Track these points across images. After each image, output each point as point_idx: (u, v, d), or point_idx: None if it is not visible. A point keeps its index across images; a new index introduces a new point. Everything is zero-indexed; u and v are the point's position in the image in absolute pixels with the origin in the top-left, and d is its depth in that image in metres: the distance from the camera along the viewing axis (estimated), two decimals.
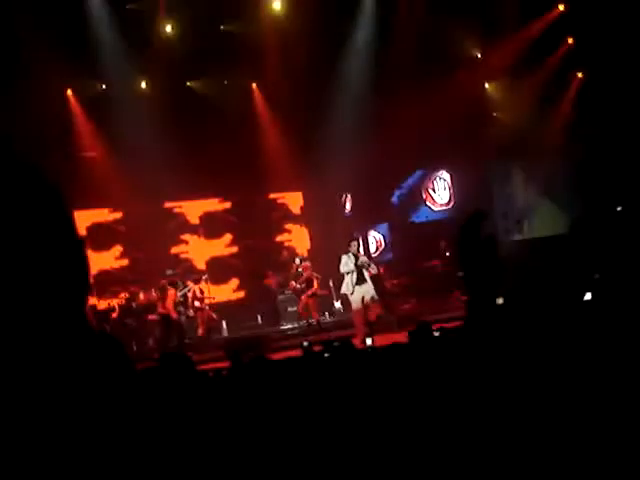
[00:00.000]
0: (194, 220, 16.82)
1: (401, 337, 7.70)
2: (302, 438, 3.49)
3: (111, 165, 14.67)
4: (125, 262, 16.05)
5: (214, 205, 16.97)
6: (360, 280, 11.73)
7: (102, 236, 15.76)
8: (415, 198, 17.34)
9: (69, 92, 14.70)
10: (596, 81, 15.20)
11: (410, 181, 17.36)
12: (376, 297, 11.82)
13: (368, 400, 3.75)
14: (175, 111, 14.63)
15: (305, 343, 6.72)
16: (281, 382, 4.05)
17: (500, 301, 5.34)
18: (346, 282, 11.81)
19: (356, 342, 10.18)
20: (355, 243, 12.01)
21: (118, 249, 16.12)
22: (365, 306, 11.72)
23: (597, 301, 4.85)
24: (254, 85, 15.98)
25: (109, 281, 15.42)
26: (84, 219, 15.32)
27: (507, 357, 3.91)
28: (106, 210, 16.04)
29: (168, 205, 16.60)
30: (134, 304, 14.72)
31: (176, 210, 16.75)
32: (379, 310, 11.84)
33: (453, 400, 3.59)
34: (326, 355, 4.77)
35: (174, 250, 16.48)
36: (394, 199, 17.42)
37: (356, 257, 11.80)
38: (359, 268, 11.69)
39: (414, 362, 4.06)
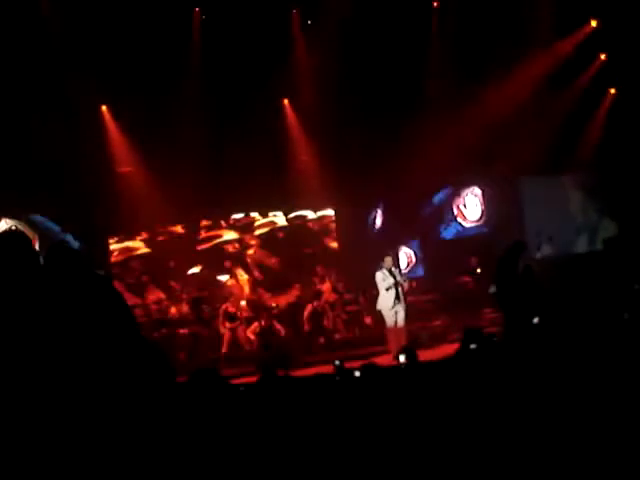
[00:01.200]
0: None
1: (434, 354, 7.70)
2: (331, 454, 3.49)
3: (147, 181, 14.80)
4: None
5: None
6: (397, 298, 11.75)
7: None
8: (446, 214, 17.26)
9: (104, 108, 14.85)
10: (629, 98, 15.09)
11: (441, 197, 17.30)
12: (404, 322, 11.86)
13: (396, 419, 3.75)
14: (209, 129, 14.79)
15: (337, 362, 6.73)
16: (311, 400, 4.05)
17: (536, 320, 5.33)
18: (384, 297, 11.81)
19: (389, 358, 10.24)
20: (389, 259, 12.04)
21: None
22: (396, 328, 11.76)
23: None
24: (286, 101, 16.03)
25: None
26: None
27: (543, 373, 3.89)
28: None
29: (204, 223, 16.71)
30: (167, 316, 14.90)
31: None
32: (406, 336, 11.85)
33: (490, 417, 3.58)
34: (357, 374, 4.76)
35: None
36: (425, 215, 17.35)
37: (392, 273, 11.81)
38: (397, 285, 11.72)
39: (449, 380, 4.05)
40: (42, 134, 13.08)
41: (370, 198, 16.52)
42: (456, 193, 17.21)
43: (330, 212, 17.38)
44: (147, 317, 14.96)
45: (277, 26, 14.87)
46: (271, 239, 16.90)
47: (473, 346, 4.78)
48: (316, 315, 14.58)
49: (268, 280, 16.58)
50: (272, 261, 16.74)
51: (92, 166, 14.17)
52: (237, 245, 16.86)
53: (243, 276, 16.51)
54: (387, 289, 11.73)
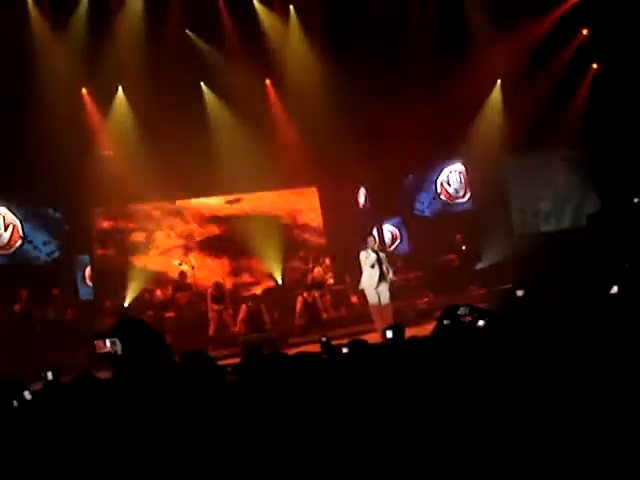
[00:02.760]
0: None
1: (419, 331, 7.70)
2: (319, 432, 3.49)
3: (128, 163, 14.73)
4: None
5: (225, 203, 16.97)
6: (381, 277, 11.77)
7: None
8: (430, 191, 17.27)
9: (84, 91, 14.75)
10: (611, 72, 15.09)
11: (425, 174, 17.30)
12: (389, 301, 11.88)
13: (384, 395, 3.76)
14: (189, 109, 14.76)
15: (323, 339, 6.71)
16: (299, 377, 4.05)
17: (520, 293, 5.33)
18: (369, 276, 11.82)
19: (376, 336, 10.26)
20: (371, 239, 12.03)
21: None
22: (380, 307, 11.79)
23: (626, 291, 4.81)
24: (268, 81, 15.95)
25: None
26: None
27: (527, 347, 3.90)
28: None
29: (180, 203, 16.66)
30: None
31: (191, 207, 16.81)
32: (391, 314, 11.87)
33: (473, 393, 3.59)
34: (345, 350, 4.76)
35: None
36: (410, 193, 17.36)
37: (377, 252, 11.83)
38: (380, 263, 11.73)
39: (435, 355, 4.06)
40: (24, 118, 13.01)
41: (353, 176, 16.46)
42: (440, 170, 17.21)
43: (313, 190, 17.34)
44: (133, 300, 14.93)
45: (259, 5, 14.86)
46: (255, 219, 16.82)
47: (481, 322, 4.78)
48: (308, 307, 14.50)
49: (253, 261, 16.55)
50: (257, 242, 16.66)
51: (75, 149, 14.06)
52: (222, 226, 16.80)
53: (226, 257, 16.47)
54: (372, 266, 11.73)
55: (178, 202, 16.64)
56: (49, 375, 6.04)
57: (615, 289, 5.18)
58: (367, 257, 11.79)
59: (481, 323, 4.70)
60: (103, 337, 4.02)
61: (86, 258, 15.59)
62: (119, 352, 3.89)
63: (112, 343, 3.90)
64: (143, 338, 3.90)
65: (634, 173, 14.80)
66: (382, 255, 11.96)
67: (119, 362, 3.90)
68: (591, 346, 3.79)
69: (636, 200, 14.81)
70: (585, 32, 15.68)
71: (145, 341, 3.89)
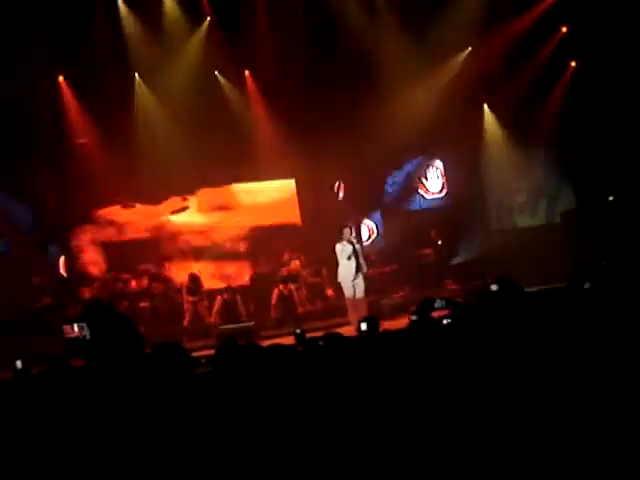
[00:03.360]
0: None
1: (394, 325, 7.72)
2: (292, 424, 3.49)
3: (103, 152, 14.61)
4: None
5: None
6: (358, 269, 11.77)
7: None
8: (408, 186, 17.31)
9: (60, 78, 14.60)
10: (589, 70, 15.18)
11: (403, 169, 17.32)
12: (364, 294, 11.88)
13: (356, 386, 3.76)
14: (167, 100, 14.71)
15: (298, 330, 6.70)
16: (274, 368, 4.04)
17: (495, 288, 5.35)
18: (345, 268, 11.80)
19: (351, 329, 10.28)
20: (347, 230, 12.00)
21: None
22: (356, 300, 11.79)
23: (602, 287, 4.85)
24: (247, 72, 15.88)
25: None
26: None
27: (501, 339, 3.92)
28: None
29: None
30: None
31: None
32: (366, 307, 11.87)
33: (446, 385, 3.60)
34: (321, 343, 4.75)
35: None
36: (387, 187, 17.37)
37: (352, 244, 11.81)
38: (357, 255, 11.73)
39: (411, 348, 4.06)
40: None
41: (332, 170, 16.44)
42: (418, 165, 17.25)
43: (291, 182, 17.27)
44: (107, 290, 14.83)
45: None
46: (232, 211, 16.73)
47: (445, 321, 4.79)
48: (283, 299, 14.46)
49: (230, 253, 16.47)
50: (234, 234, 16.59)
51: (49, 137, 13.93)
52: (199, 218, 16.69)
53: (204, 249, 16.37)
54: (348, 258, 11.71)
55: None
56: (18, 364, 5.96)
57: (588, 285, 5.21)
58: (343, 249, 11.77)
59: (445, 322, 4.71)
60: (71, 322, 3.98)
61: (62, 247, 15.43)
62: (87, 337, 3.86)
63: (80, 328, 3.87)
64: (112, 322, 3.87)
65: (609, 171, 14.93)
66: (358, 247, 11.95)
67: (88, 347, 3.86)
68: (563, 340, 3.81)
69: (610, 198, 14.96)
70: (564, 29, 15.75)
71: (114, 325, 3.86)
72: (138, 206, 15.99)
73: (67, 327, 3.90)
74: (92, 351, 3.87)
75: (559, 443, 3.16)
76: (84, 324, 3.89)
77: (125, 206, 15.91)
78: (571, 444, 3.15)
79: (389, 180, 17.40)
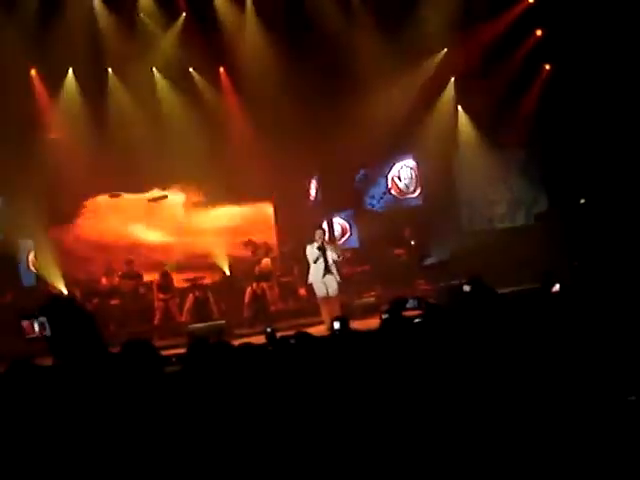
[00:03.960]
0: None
1: (366, 324, 7.72)
2: (261, 423, 3.46)
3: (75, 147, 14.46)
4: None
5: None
6: (326, 271, 11.80)
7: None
8: (381, 186, 17.33)
9: (33, 72, 14.43)
10: (563, 73, 15.29)
11: (377, 168, 17.34)
12: (336, 292, 11.92)
13: (326, 386, 3.74)
14: (140, 96, 14.63)
15: (268, 329, 6.66)
16: (244, 367, 4.02)
17: (467, 288, 5.35)
18: (314, 270, 11.87)
19: (323, 328, 10.28)
20: (320, 232, 12.05)
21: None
22: (329, 298, 11.82)
23: (572, 289, 4.88)
24: (222, 69, 15.80)
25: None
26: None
27: (472, 340, 3.92)
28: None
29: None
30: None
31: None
32: (338, 306, 11.90)
33: (420, 385, 3.59)
34: (292, 342, 4.72)
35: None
36: (360, 186, 17.38)
37: (322, 247, 11.84)
38: (325, 256, 11.76)
39: (382, 347, 4.05)
40: None
41: (305, 168, 16.41)
42: (391, 165, 17.28)
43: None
44: (77, 287, 14.69)
45: None
46: (204, 205, 16.61)
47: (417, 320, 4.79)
48: (256, 298, 14.39)
49: (200, 250, 16.38)
50: (205, 229, 16.47)
51: (21, 130, 13.78)
52: (171, 211, 16.55)
53: (175, 245, 16.26)
54: (315, 261, 11.81)
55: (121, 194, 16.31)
56: None
57: (557, 287, 5.24)
58: (311, 252, 11.84)
59: (416, 321, 4.71)
60: (30, 317, 3.89)
61: (29, 243, 15.26)
62: (48, 334, 3.78)
63: (40, 325, 3.78)
64: (72, 318, 3.79)
65: (581, 174, 15.04)
66: (329, 248, 11.97)
67: (51, 344, 3.79)
68: (533, 341, 3.82)
69: (582, 201, 15.08)
70: (539, 33, 15.85)
71: (74, 321, 3.78)
72: (110, 201, 15.89)
73: (26, 324, 3.82)
74: (55, 349, 3.78)
75: (530, 440, 3.17)
76: (44, 319, 3.80)
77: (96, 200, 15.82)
78: (541, 441, 3.16)
79: (362, 179, 17.40)
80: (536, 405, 3.32)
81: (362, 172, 17.34)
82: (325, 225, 15.49)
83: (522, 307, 4.55)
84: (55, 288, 14.47)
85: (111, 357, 4.04)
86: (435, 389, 3.51)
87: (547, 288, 5.15)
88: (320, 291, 11.90)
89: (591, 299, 4.53)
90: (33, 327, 3.82)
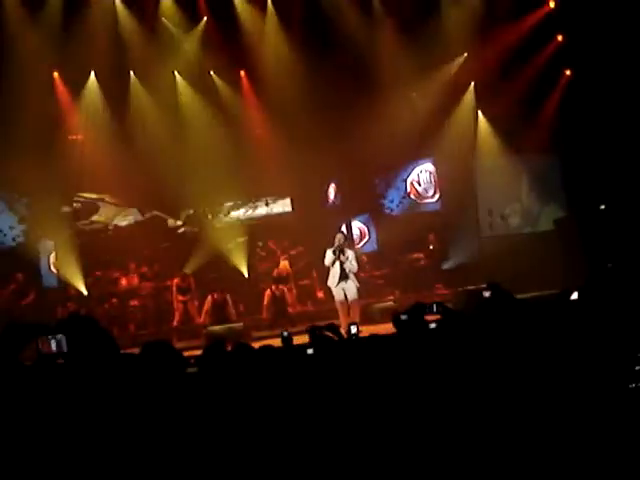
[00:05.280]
0: None
1: (383, 329, 7.72)
2: (279, 426, 3.48)
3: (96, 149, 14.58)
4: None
5: None
6: (342, 276, 11.79)
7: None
8: (400, 190, 17.31)
9: (56, 75, 14.56)
10: (584, 79, 15.23)
11: (396, 172, 17.32)
12: (357, 297, 11.90)
13: (344, 390, 3.76)
14: (159, 99, 14.73)
15: (285, 333, 6.65)
16: (262, 370, 4.04)
17: (487, 294, 5.35)
18: (331, 274, 11.89)
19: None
20: (340, 236, 12.04)
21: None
22: (348, 303, 11.82)
23: (595, 295, 4.86)
24: (242, 73, 15.86)
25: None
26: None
27: (492, 347, 3.92)
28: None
29: None
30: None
31: None
32: (358, 311, 11.90)
33: (437, 391, 3.60)
34: (310, 351, 4.72)
35: None
36: (380, 190, 17.38)
37: (341, 251, 11.82)
38: (341, 262, 11.76)
39: (398, 352, 4.06)
40: None
41: (325, 171, 16.45)
42: (411, 169, 17.27)
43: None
44: (96, 288, 14.80)
45: None
46: (222, 207, 16.69)
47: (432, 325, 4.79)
48: (275, 300, 14.42)
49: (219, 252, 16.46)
50: (223, 232, 16.54)
51: (43, 132, 13.90)
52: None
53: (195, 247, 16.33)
54: (332, 264, 11.81)
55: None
56: None
57: (575, 295, 5.22)
58: (327, 257, 11.86)
59: (432, 326, 4.71)
60: (47, 334, 3.90)
61: (51, 244, 15.39)
62: (64, 350, 3.81)
63: (57, 344, 3.79)
64: (91, 337, 3.82)
65: (602, 180, 14.97)
66: (348, 253, 11.96)
67: (65, 361, 3.82)
68: (553, 348, 3.82)
69: (602, 207, 15.00)
70: (560, 38, 15.80)
71: (92, 340, 3.81)
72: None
73: (42, 341, 3.80)
74: (71, 366, 3.82)
75: (544, 446, 3.17)
76: (61, 337, 3.82)
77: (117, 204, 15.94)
78: (556, 447, 3.16)
79: (382, 184, 17.41)
80: (551, 411, 3.32)
81: (380, 179, 17.35)
82: (344, 229, 15.51)
83: (541, 314, 4.54)
84: (75, 289, 14.60)
85: (131, 358, 4.07)
86: (451, 394, 3.52)
87: (565, 296, 5.14)
88: (338, 295, 11.90)
89: (611, 306, 4.52)
90: (50, 344, 3.81)
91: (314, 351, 4.41)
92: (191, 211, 16.58)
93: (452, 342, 4.21)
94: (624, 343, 3.60)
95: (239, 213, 16.81)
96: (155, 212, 16.31)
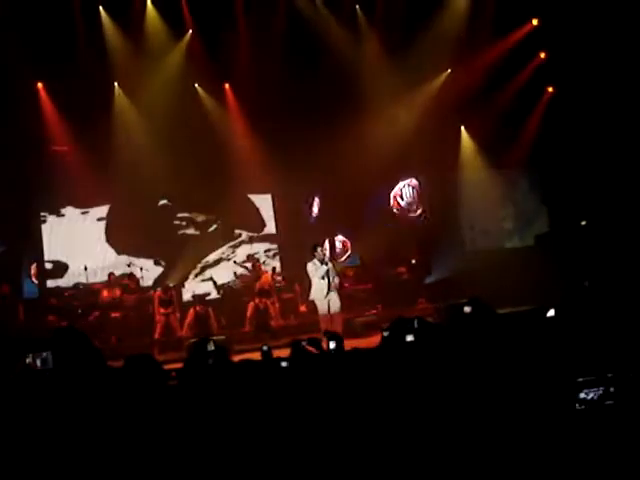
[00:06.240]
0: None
1: (365, 343, 7.74)
2: (255, 438, 3.50)
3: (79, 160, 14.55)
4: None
5: None
6: (330, 288, 11.78)
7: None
8: (383, 204, 17.37)
9: (40, 85, 14.54)
10: (566, 96, 15.38)
11: (380, 187, 17.37)
12: (339, 310, 11.89)
13: (322, 403, 3.78)
14: (146, 111, 14.73)
15: (265, 347, 6.63)
16: (241, 383, 4.06)
17: (467, 309, 5.39)
18: (319, 287, 11.81)
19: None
20: (320, 249, 12.01)
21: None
22: (331, 315, 11.79)
23: (573, 311, 4.92)
24: (227, 85, 15.91)
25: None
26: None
27: (469, 362, 3.96)
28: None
29: None
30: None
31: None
32: (341, 323, 11.89)
33: (412, 405, 3.62)
34: (284, 364, 4.72)
35: None
36: (364, 204, 17.42)
37: (326, 264, 11.82)
38: (329, 273, 11.75)
39: (379, 366, 4.08)
40: None
41: (309, 185, 16.50)
42: (394, 184, 17.34)
43: (268, 197, 17.31)
44: (78, 299, 14.76)
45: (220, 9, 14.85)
46: (207, 224, 16.71)
47: (410, 338, 4.82)
48: (259, 313, 14.40)
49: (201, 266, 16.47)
50: (207, 246, 16.55)
51: (26, 143, 13.87)
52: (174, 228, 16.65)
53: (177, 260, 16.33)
54: (322, 277, 11.75)
55: None
56: None
57: (552, 312, 5.27)
58: (317, 269, 11.78)
59: (409, 338, 4.73)
60: (34, 351, 3.88)
61: (32, 255, 15.31)
62: (50, 367, 3.81)
63: (43, 362, 3.78)
64: (79, 352, 3.81)
65: (583, 197, 15.11)
66: (330, 265, 11.98)
67: (51, 378, 3.82)
68: (530, 363, 3.86)
69: (583, 223, 15.13)
70: (543, 55, 15.96)
71: (79, 355, 3.80)
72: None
73: (30, 358, 3.78)
74: (57, 382, 3.82)
75: (524, 453, 3.21)
76: (47, 354, 3.81)
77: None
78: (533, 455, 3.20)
79: (366, 198, 17.45)
80: (527, 423, 3.36)
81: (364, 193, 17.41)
82: (327, 243, 15.53)
83: (517, 329, 4.59)
84: (56, 300, 14.55)
85: (114, 371, 4.08)
86: (430, 408, 3.55)
87: (541, 313, 5.19)
88: (322, 308, 11.85)
89: (587, 323, 4.57)
90: (35, 363, 3.79)
91: (288, 364, 4.44)
92: None
93: (431, 355, 4.24)
94: (591, 364, 3.65)
95: (220, 226, 16.83)
96: None
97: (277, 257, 17.06)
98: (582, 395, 3.41)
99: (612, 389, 3.44)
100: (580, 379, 3.43)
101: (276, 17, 15.24)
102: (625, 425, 3.39)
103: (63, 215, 15.89)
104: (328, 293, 11.79)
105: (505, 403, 3.50)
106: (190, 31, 15.10)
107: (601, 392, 3.42)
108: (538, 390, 3.54)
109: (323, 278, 11.77)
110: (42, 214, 15.64)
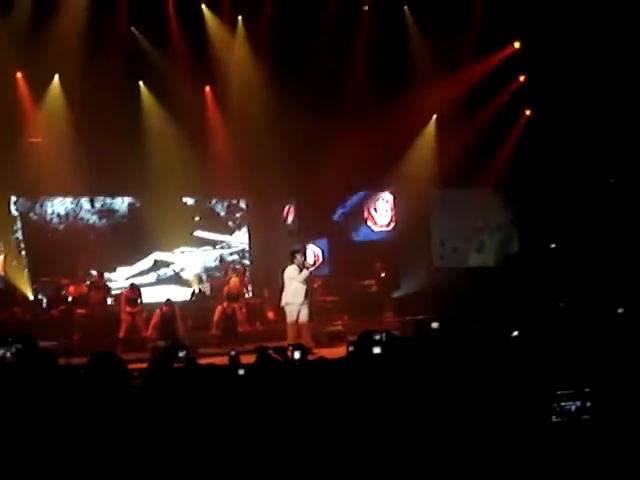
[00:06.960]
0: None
1: (331, 353, 7.76)
2: (217, 443, 3.49)
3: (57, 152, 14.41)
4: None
5: None
6: (305, 295, 11.76)
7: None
8: (357, 217, 17.44)
9: (19, 75, 14.41)
10: (543, 119, 15.56)
11: (354, 199, 17.45)
12: (307, 319, 11.86)
13: (286, 411, 3.79)
14: (126, 109, 14.66)
15: (232, 352, 6.63)
16: (206, 387, 4.05)
17: (435, 325, 5.43)
18: (298, 292, 11.72)
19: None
20: (299, 255, 12.00)
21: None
22: (298, 325, 11.76)
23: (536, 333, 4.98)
24: (207, 88, 15.88)
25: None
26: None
27: (437, 376, 3.99)
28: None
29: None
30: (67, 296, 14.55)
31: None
32: (309, 333, 11.87)
33: (376, 416, 3.64)
34: (241, 372, 4.72)
35: None
36: (336, 215, 17.47)
37: (306, 268, 11.81)
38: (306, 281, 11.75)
39: (344, 377, 4.10)
40: None
41: (283, 193, 16.51)
42: (368, 197, 17.42)
43: (242, 204, 17.33)
44: (44, 293, 14.63)
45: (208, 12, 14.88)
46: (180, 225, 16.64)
47: (377, 350, 4.85)
48: (226, 318, 14.34)
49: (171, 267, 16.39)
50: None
51: (3, 133, 13.73)
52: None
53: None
54: (303, 282, 11.71)
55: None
56: None
57: (516, 333, 5.34)
58: (298, 274, 11.71)
59: (377, 351, 4.76)
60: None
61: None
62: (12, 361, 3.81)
63: (12, 354, 3.77)
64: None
65: (553, 219, 15.28)
66: (309, 272, 11.97)
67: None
68: (484, 379, 3.89)
69: (552, 246, 15.30)
70: (522, 79, 16.14)
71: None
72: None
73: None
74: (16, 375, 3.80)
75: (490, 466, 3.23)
76: (19, 346, 3.80)
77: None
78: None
79: (339, 209, 17.51)
80: (492, 436, 3.39)
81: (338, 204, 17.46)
82: (306, 250, 15.55)
83: (482, 347, 4.63)
84: (22, 293, 14.41)
85: (78, 368, 4.06)
86: (397, 421, 3.56)
87: (505, 332, 5.25)
88: (292, 315, 11.78)
89: (563, 341, 4.63)
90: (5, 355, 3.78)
91: (245, 372, 4.44)
92: None
93: (397, 368, 4.27)
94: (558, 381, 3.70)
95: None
96: None
97: (247, 262, 17.06)
98: (557, 408, 3.44)
99: (589, 404, 3.48)
100: (559, 392, 3.47)
101: (262, 24, 15.26)
102: (600, 439, 3.44)
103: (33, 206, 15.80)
104: (304, 300, 11.76)
105: (471, 417, 3.52)
106: (175, 32, 15.04)
107: (579, 405, 3.46)
108: (507, 403, 3.57)
109: (304, 283, 11.75)
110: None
